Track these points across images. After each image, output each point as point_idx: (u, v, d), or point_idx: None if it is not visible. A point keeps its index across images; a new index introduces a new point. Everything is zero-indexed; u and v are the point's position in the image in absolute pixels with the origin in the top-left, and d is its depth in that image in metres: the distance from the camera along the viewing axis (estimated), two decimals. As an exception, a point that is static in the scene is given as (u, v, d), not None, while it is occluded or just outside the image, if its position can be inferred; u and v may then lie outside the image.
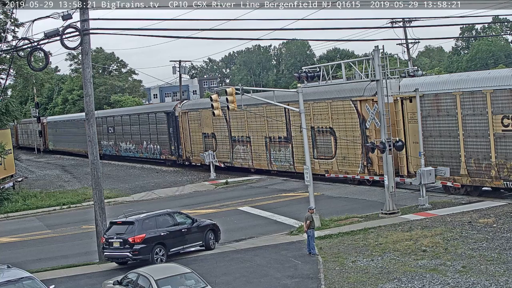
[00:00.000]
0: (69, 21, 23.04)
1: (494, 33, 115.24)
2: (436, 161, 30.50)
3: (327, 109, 36.73)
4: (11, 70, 43.89)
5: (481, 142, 28.47)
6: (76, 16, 23.58)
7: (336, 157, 36.89)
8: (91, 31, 24.04)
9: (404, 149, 30.98)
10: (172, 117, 52.91)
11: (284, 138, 40.79)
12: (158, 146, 55.58)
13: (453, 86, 29.59)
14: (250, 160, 44.38)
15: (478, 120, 28.51)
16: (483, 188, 29.62)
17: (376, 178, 33.45)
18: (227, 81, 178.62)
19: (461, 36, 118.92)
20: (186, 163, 52.27)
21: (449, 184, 30.04)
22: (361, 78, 28.30)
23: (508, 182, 27.28)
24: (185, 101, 56.07)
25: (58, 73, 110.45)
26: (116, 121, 62.41)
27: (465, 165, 29.36)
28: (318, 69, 29.00)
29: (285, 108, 35.21)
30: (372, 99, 33.06)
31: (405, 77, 34.38)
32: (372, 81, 27.43)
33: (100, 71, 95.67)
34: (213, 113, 28.29)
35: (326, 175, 37.75)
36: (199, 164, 50.10)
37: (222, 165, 46.83)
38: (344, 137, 35.88)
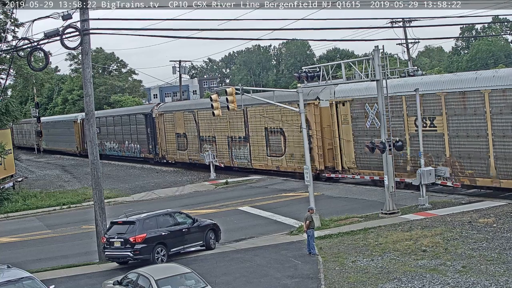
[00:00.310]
0: (69, 21, 23.08)
1: (494, 33, 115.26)
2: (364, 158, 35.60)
3: (278, 112, 40.00)
4: (11, 70, 43.90)
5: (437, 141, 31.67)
6: (76, 16, 23.61)
7: (285, 154, 41.04)
8: (91, 31, 24.04)
9: (339, 147, 36.33)
10: (150, 118, 56.71)
11: (244, 137, 44.63)
12: (138, 145, 59.47)
13: (366, 92, 33.77)
14: (216, 158, 48.01)
15: (398, 121, 32.68)
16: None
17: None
18: (227, 81, 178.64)
19: (461, 36, 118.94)
20: (163, 161, 55.76)
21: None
22: (361, 78, 28.31)
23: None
24: (161, 104, 59.86)
25: (58, 73, 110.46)
26: (101, 122, 65.21)
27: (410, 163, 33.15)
28: (318, 69, 29.00)
29: (243, 110, 40.24)
30: (314, 103, 37.69)
31: (405, 77, 34.41)
32: (372, 81, 27.44)
33: (100, 71, 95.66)
34: (213, 113, 28.29)
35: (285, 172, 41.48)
36: (173, 162, 54.37)
37: (194, 162, 51.07)
38: (292, 137, 39.88)
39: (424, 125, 31.01)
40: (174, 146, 53.50)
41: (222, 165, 47.00)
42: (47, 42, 23.53)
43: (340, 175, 37.18)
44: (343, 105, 35.94)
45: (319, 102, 38.24)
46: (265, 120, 41.91)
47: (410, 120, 31.99)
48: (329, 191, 35.50)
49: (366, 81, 28.20)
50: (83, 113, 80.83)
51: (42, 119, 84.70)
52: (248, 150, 44.31)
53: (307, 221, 21.94)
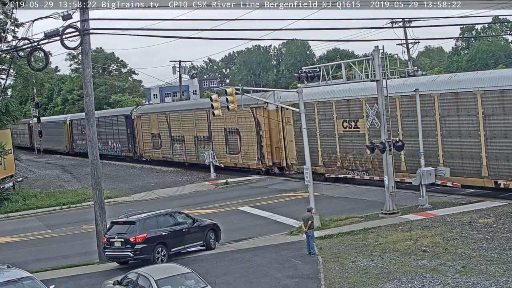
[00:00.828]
0: (69, 21, 23.08)
1: (494, 33, 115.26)
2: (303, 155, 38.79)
3: (234, 114, 43.76)
4: (11, 70, 43.89)
5: (331, 140, 37.48)
6: (76, 16, 23.61)
7: (241, 152, 45.72)
8: (91, 31, 24.05)
9: (283, 146, 41.60)
10: (129, 120, 61.09)
11: (207, 137, 49.42)
12: (120, 145, 64.07)
13: (313, 97, 37.52)
14: (184, 156, 52.95)
15: (328, 124, 37.42)
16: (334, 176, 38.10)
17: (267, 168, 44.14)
18: (227, 81, 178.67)
19: (461, 36, 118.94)
20: (142, 159, 60.35)
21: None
22: (361, 78, 28.31)
23: (350, 171, 36.48)
24: (139, 106, 64.50)
25: (58, 73, 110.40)
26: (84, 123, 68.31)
27: (321, 158, 38.25)
28: (318, 69, 29.00)
29: (207, 112, 46.31)
30: (263, 107, 42.45)
31: (405, 77, 34.42)
32: (372, 81, 27.44)
33: (100, 71, 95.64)
34: (213, 113, 28.33)
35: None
36: (150, 160, 59.06)
37: (166, 159, 55.92)
38: (246, 136, 44.73)
39: (350, 126, 35.88)
40: (150, 145, 58.12)
41: (187, 164, 53.19)
42: (47, 42, 23.54)
43: (286, 171, 43.25)
44: (286, 109, 38.78)
45: (267, 106, 42.24)
46: (225, 121, 46.55)
47: (339, 122, 36.75)
48: (329, 191, 35.51)
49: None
50: (72, 115, 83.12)
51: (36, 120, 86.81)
52: (211, 148, 49.06)
53: (309, 221, 21.91)
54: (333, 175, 37.79)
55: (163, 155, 56.11)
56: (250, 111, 42.89)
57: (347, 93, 35.71)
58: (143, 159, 59.57)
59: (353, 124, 35.63)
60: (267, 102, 40.63)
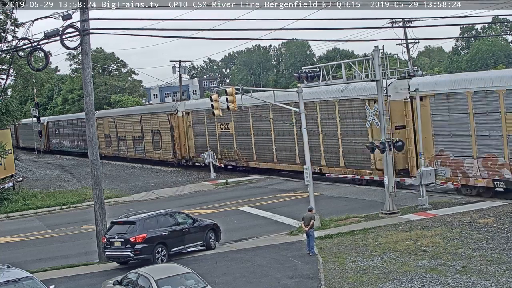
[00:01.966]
0: (69, 21, 23.07)
1: (494, 33, 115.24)
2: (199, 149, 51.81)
3: (157, 118, 57.03)
4: (11, 70, 43.86)
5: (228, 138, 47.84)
6: (76, 16, 23.60)
7: (162, 149, 56.76)
8: (91, 31, 24.05)
9: (187, 143, 53.54)
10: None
11: (140, 137, 60.59)
12: (82, 143, 73.79)
13: (202, 106, 50.37)
14: (126, 152, 64.51)
15: (244, 125, 45.93)
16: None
17: (183, 161, 54.63)
18: (227, 81, 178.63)
19: (461, 36, 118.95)
20: (101, 154, 71.28)
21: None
22: (361, 78, 28.31)
23: (226, 161, 48.80)
24: (98, 111, 72.02)
25: (58, 73, 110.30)
26: (60, 124, 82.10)
27: (239, 153, 47.04)
28: (318, 69, 29.01)
29: (140, 117, 59.59)
30: (174, 113, 54.24)
31: (405, 77, 34.42)
32: (372, 81, 27.44)
33: (100, 71, 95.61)
34: (213, 113, 28.33)
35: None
36: (103, 155, 64.62)
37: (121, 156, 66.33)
38: (164, 136, 55.95)
39: (223, 127, 48.03)
40: (103, 143, 68.09)
41: (128, 158, 64.00)
42: (47, 42, 23.53)
43: (190, 163, 54.25)
44: (188, 114, 52.91)
45: (177, 113, 54.08)
46: (152, 124, 57.98)
47: (231, 125, 47.54)
48: (329, 191, 35.51)
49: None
50: (48, 117, 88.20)
51: (22, 121, 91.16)
52: (143, 146, 60.19)
53: (312, 221, 21.97)
54: (222, 165, 48.96)
55: (113, 151, 67.54)
56: (167, 116, 55.00)
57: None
58: (104, 154, 67.31)
59: (225, 126, 47.97)
60: (177, 110, 54.01)
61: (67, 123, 79.50)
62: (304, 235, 22.49)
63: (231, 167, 49.55)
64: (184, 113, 53.45)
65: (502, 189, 27.92)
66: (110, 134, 67.44)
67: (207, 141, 50.09)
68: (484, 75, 29.28)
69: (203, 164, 50.39)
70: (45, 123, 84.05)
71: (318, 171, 37.76)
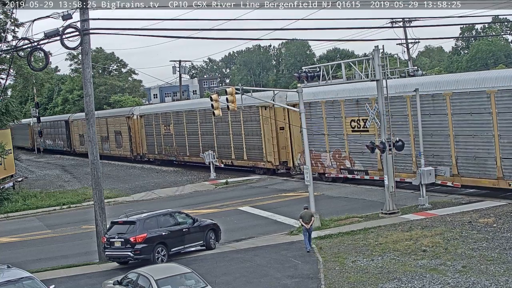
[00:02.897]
0: (69, 21, 23.06)
1: (494, 33, 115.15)
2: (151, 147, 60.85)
3: (118, 121, 66.06)
4: (11, 70, 43.84)
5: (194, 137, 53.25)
6: (76, 16, 23.60)
7: (122, 146, 65.65)
8: (91, 31, 24.04)
9: (140, 142, 62.43)
10: (67, 124, 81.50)
11: (106, 137, 69.04)
12: (62, 142, 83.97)
13: (155, 110, 60.73)
14: (100, 150, 70.31)
15: (180, 127, 54.77)
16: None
17: (138, 157, 63.55)
18: (227, 81, 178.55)
19: (461, 36, 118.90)
20: (75, 152, 79.59)
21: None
22: (361, 78, 28.30)
23: (171, 156, 56.80)
24: (73, 114, 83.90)
25: (58, 73, 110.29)
26: (44, 125, 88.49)
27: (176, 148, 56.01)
28: (318, 69, 29.00)
29: (106, 119, 68.41)
30: (130, 116, 63.38)
31: (405, 77, 34.41)
32: (372, 80, 27.43)
33: (100, 71, 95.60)
34: (213, 113, 28.35)
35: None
36: (79, 152, 77.21)
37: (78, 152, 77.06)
38: (124, 136, 64.85)
39: (166, 129, 56.44)
40: (78, 142, 78.01)
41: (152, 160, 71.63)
42: (47, 42, 23.52)
43: (144, 158, 62.32)
44: (141, 117, 61.34)
45: (133, 116, 62.86)
46: (114, 126, 66.53)
47: (172, 126, 56.25)
48: (329, 191, 35.50)
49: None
50: (33, 119, 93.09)
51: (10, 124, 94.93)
52: (108, 144, 68.68)
53: (313, 218, 22.49)
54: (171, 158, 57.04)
55: (85, 149, 74.87)
56: (125, 119, 63.96)
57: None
58: (75, 151, 79.42)
59: (167, 127, 56.45)
60: (133, 114, 62.83)
61: (49, 124, 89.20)
62: (302, 234, 22.65)
63: (170, 162, 57.50)
64: (138, 116, 62.33)
65: (344, 176, 36.80)
66: (84, 135, 74.26)
67: (155, 140, 58.78)
68: (321, 90, 36.36)
69: (151, 159, 60.91)
70: (31, 124, 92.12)
71: (230, 163, 47.97)
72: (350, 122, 35.39)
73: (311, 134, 35.19)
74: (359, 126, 34.95)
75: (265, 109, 42.31)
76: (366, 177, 35.02)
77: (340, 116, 36.00)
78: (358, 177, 35.84)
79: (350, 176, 36.37)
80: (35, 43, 23.92)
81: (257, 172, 45.39)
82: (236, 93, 27.93)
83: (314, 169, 34.95)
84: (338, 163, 36.72)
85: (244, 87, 28.64)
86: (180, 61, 72.41)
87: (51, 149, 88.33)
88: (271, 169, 43.84)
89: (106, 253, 22.89)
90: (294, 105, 33.37)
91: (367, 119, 32.09)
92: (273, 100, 38.64)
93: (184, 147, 54.08)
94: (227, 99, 27.75)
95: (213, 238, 24.31)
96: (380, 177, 32.03)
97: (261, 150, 43.86)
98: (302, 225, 22.49)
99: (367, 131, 34.02)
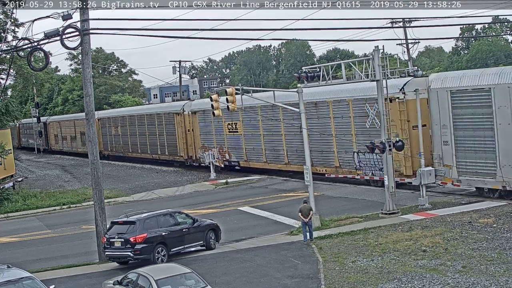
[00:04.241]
0: (69, 21, 23.05)
1: (494, 33, 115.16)
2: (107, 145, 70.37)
3: (82, 123, 65.69)
4: (11, 70, 43.86)
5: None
6: (76, 16, 23.60)
7: (86, 145, 70.46)
8: (91, 31, 24.04)
9: (102, 141, 67.50)
10: (45, 125, 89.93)
11: (74, 136, 78.37)
12: (41, 141, 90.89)
13: (111, 114, 71.98)
14: (71, 148, 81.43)
15: (124, 129, 65.06)
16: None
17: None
18: (227, 81, 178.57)
19: (461, 36, 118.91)
20: (52, 149, 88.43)
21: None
22: (361, 78, 28.29)
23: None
24: (49, 117, 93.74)
25: (58, 73, 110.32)
26: (25, 126, 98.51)
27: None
28: (318, 69, 28.99)
29: (73, 121, 78.55)
30: (81, 119, 66.97)
31: (405, 77, 34.41)
32: (372, 81, 27.43)
33: (100, 71, 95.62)
34: (213, 113, 28.35)
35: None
36: (56, 150, 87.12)
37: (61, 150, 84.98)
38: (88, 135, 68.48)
39: (115, 130, 67.52)
40: (54, 141, 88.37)
41: (68, 152, 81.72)
42: (47, 42, 23.51)
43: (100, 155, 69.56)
44: (99, 120, 69.20)
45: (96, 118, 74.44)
46: (80, 127, 73.75)
47: (119, 128, 67.40)
48: (329, 191, 35.51)
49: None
50: (20, 121, 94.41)
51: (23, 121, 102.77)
52: (76, 142, 78.33)
53: (311, 212, 23.44)
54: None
55: (58, 147, 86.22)
56: (73, 123, 78.67)
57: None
58: (52, 149, 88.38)
59: (116, 129, 67.58)
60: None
61: (29, 126, 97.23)
62: (301, 234, 22.86)
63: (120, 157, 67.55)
64: (97, 119, 70.99)
65: (225, 164, 48.36)
66: (57, 134, 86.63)
67: (108, 139, 69.51)
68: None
69: (106, 155, 67.55)
70: (17, 125, 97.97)
71: (158, 158, 58.45)
72: (227, 125, 47.18)
73: (204, 133, 50.39)
74: (233, 128, 46.84)
75: (178, 115, 53.79)
76: (238, 167, 48.04)
77: (221, 120, 46.59)
78: (236, 166, 47.99)
79: (228, 164, 48.39)
80: (35, 43, 23.92)
81: (175, 165, 56.29)
82: (237, 93, 27.94)
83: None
84: (221, 156, 48.23)
85: (244, 87, 28.63)
86: (180, 61, 72.44)
87: (32, 147, 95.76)
88: (183, 161, 54.30)
89: (106, 253, 22.89)
90: (195, 113, 51.25)
91: (237, 123, 45.75)
92: (183, 109, 52.68)
93: (127, 145, 66.06)
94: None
95: (213, 238, 24.31)
96: (248, 165, 46.02)
97: (176, 147, 54.76)
98: (301, 219, 23.22)
99: (237, 131, 46.31)
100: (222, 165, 48.06)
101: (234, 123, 46.59)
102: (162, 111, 58.05)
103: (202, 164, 50.26)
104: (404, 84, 32.31)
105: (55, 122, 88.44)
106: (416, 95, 29.78)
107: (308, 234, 23.41)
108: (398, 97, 31.91)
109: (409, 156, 31.64)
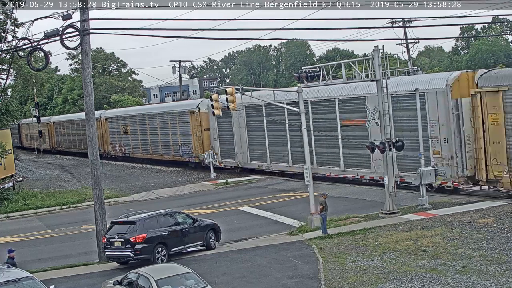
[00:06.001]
0: (69, 21, 23.04)
1: (494, 33, 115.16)
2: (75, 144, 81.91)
3: (45, 125, 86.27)
4: (11, 70, 43.87)
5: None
6: (76, 16, 23.59)
7: (45, 142, 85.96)
8: (91, 31, 24.03)
9: (55, 140, 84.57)
10: (19, 126, 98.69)
11: (66, 134, 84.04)
12: (16, 140, 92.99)
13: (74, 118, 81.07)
14: (36, 144, 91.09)
15: (75, 130, 77.39)
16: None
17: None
18: (227, 81, 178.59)
19: (461, 36, 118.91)
20: (24, 146, 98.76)
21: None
22: (361, 78, 28.29)
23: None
24: (21, 120, 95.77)
25: (58, 73, 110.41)
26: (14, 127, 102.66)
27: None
28: (318, 69, 28.99)
29: (38, 124, 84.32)
30: (49, 122, 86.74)
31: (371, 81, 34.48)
32: (372, 80, 27.43)
33: (100, 71, 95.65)
34: (213, 113, 28.36)
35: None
36: (27, 146, 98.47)
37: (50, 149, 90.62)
38: (46, 135, 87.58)
39: (68, 131, 79.70)
40: (25, 140, 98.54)
41: (55, 151, 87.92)
42: (47, 42, 23.50)
43: (55, 150, 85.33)
44: (54, 123, 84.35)
45: (50, 122, 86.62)
46: (42, 127, 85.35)
47: (69, 129, 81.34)
48: (329, 191, 35.29)
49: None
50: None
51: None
52: (76, 142, 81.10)
53: (321, 205, 24.39)
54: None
55: (30, 144, 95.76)
56: (46, 125, 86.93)
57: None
58: (24, 146, 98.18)
59: (68, 131, 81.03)
60: (50, 121, 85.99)
61: (15, 127, 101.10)
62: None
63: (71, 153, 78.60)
64: (52, 122, 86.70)
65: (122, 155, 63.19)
66: (27, 134, 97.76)
67: (66, 139, 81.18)
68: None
69: (114, 155, 69.34)
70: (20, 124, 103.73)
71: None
72: (122, 128, 63.58)
73: (111, 133, 66.74)
74: (125, 130, 62.35)
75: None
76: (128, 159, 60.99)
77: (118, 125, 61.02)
78: (130, 155, 61.92)
79: (124, 155, 63.21)
80: (35, 43, 23.90)
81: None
82: (236, 93, 27.95)
83: (114, 152, 67.56)
84: (121, 149, 64.35)
85: (244, 87, 28.63)
86: (180, 61, 72.43)
87: (14, 146, 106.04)
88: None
89: (106, 253, 22.88)
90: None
91: (126, 126, 58.76)
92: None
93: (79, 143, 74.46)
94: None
95: (213, 238, 24.31)
96: (139, 156, 60.38)
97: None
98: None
99: (127, 132, 62.00)
100: (118, 154, 59.99)
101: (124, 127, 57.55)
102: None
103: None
104: (199, 103, 51.92)
105: (26, 124, 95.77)
106: (207, 110, 43.01)
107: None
108: (195, 111, 51.17)
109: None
